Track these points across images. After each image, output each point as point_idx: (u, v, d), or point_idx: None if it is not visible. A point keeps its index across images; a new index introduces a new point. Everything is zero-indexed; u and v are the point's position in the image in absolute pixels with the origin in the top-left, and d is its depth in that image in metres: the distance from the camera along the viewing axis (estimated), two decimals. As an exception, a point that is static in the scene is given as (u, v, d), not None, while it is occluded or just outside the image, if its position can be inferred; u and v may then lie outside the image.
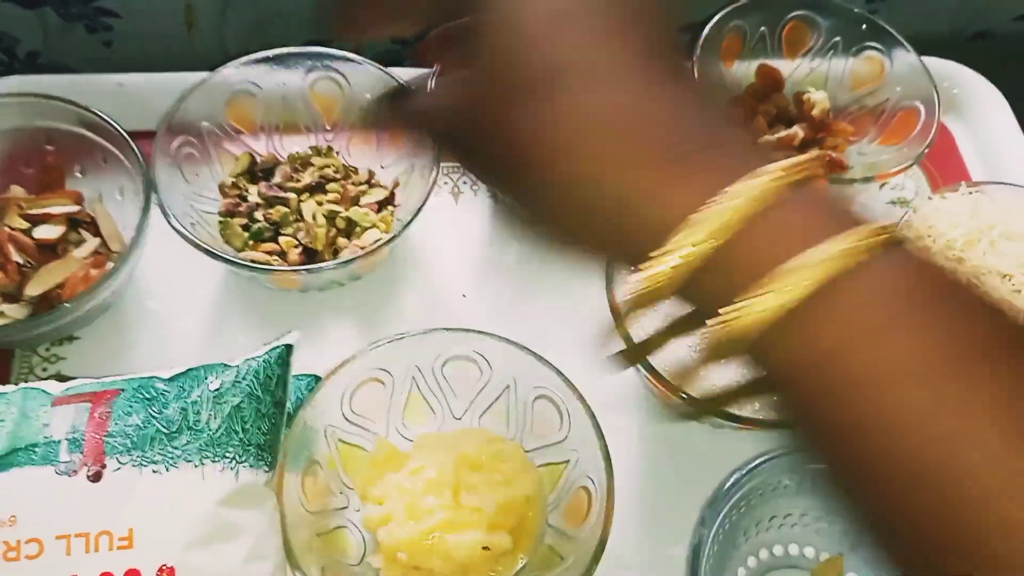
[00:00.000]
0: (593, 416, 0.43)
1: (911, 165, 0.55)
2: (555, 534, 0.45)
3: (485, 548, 0.43)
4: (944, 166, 0.64)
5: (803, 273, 0.23)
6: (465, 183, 0.60)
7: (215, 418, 0.38)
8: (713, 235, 0.24)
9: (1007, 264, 0.48)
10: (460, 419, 0.49)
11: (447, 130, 0.31)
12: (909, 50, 0.60)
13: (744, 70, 0.65)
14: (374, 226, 0.53)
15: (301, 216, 0.53)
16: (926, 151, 0.55)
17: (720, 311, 0.25)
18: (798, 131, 0.60)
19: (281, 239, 0.52)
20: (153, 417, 0.37)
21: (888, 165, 0.56)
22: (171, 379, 0.40)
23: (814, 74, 0.65)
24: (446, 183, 0.60)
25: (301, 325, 0.52)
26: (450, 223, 0.59)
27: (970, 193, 0.53)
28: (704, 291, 0.25)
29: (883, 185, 0.63)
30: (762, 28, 0.65)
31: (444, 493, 0.44)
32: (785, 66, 0.66)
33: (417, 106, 0.33)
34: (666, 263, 0.25)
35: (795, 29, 0.65)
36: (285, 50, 0.54)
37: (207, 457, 0.37)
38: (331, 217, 0.53)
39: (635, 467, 0.50)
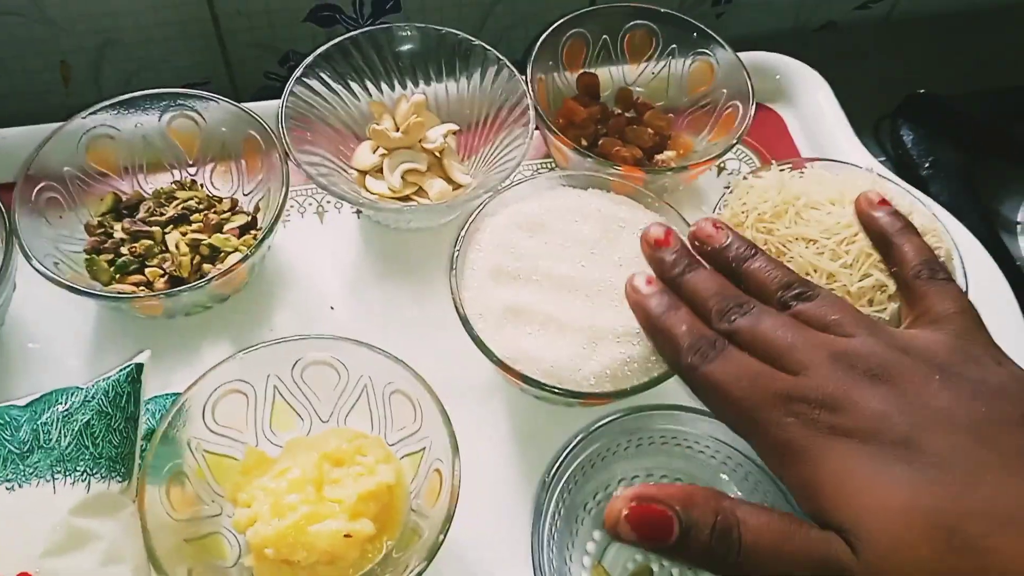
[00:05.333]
0: (439, 403, 0.47)
1: (716, 158, 0.61)
2: (418, 516, 0.49)
3: (347, 535, 0.46)
4: (776, 148, 0.69)
5: None
6: (329, 203, 0.64)
7: (65, 436, 0.40)
8: None
9: (811, 231, 0.53)
10: (327, 421, 0.52)
11: None
12: (729, 51, 0.65)
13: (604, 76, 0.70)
14: (236, 249, 0.57)
15: (166, 247, 0.56)
16: (735, 143, 0.60)
17: None
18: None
19: (147, 270, 0.55)
20: (5, 440, 0.40)
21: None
22: (27, 405, 0.42)
23: (657, 79, 0.70)
24: (311, 204, 0.64)
25: (176, 349, 0.56)
26: (317, 242, 0.62)
27: (780, 171, 0.57)
28: None
29: (720, 172, 0.68)
30: (604, 36, 0.69)
31: (307, 489, 0.47)
32: (630, 72, 0.70)
33: None
34: None
35: (636, 37, 0.69)
36: (136, 94, 0.57)
37: (59, 472, 0.40)
38: (194, 245, 0.56)
39: (487, 448, 0.53)
